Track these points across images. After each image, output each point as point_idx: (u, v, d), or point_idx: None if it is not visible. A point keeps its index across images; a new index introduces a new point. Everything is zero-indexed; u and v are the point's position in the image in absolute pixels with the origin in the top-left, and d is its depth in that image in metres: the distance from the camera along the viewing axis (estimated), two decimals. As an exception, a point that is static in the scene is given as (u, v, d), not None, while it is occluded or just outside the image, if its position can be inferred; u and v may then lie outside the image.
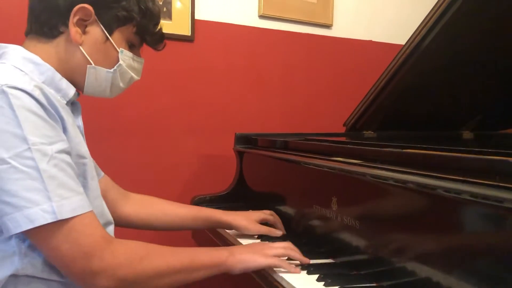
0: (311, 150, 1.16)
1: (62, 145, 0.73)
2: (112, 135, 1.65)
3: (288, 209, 1.22)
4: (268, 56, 1.93)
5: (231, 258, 0.85)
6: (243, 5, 1.86)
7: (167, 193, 1.75)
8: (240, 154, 1.52)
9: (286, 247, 0.91)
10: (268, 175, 1.40)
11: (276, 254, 0.89)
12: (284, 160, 1.24)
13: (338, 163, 0.96)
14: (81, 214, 0.72)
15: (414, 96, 1.46)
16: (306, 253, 0.93)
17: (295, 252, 0.91)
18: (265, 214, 1.15)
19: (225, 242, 1.15)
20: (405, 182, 0.76)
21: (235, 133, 1.55)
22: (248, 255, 0.87)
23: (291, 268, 0.87)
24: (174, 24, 1.70)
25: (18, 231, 0.68)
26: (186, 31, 1.72)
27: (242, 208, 1.25)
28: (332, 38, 2.07)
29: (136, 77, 0.95)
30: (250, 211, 1.19)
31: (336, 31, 2.08)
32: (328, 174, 0.98)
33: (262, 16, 1.90)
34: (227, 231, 1.18)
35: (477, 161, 0.70)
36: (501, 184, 0.60)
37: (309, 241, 1.05)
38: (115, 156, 1.63)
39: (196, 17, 1.75)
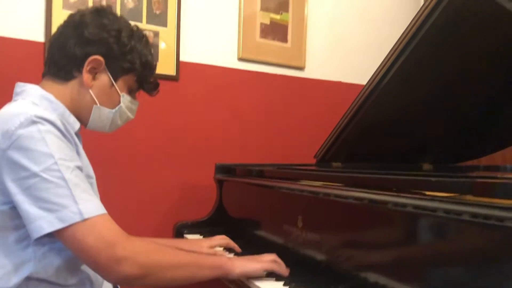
0: (282, 177, 1.31)
1: (78, 163, 0.88)
2: (100, 164, 1.76)
3: (262, 231, 1.36)
4: (246, 94, 2.10)
5: (230, 262, 0.99)
6: (224, 49, 2.05)
7: (152, 218, 1.87)
8: (219, 182, 1.66)
9: (273, 260, 1.03)
10: (244, 201, 1.54)
11: (268, 263, 1.01)
12: (259, 185, 1.38)
13: (305, 186, 1.11)
14: (102, 214, 0.85)
15: (376, 131, 1.63)
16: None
17: (280, 264, 1.02)
18: (216, 240, 1.27)
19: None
20: (361, 199, 0.91)
21: (215, 163, 1.69)
22: (245, 261, 1.00)
23: (283, 270, 1.00)
24: (161, 65, 1.86)
25: (51, 230, 0.80)
26: (171, 71, 1.89)
27: (221, 232, 1.37)
28: (304, 79, 2.27)
29: (131, 117, 1.10)
30: (205, 239, 1.30)
31: (308, 73, 2.28)
32: (296, 196, 1.13)
33: (241, 59, 2.09)
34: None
35: (411, 181, 0.86)
36: (430, 197, 0.76)
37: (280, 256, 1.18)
38: (102, 184, 1.74)
39: (181, 59, 1.92)
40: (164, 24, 1.87)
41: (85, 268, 0.93)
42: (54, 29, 1.63)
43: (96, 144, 1.71)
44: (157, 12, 1.86)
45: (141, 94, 1.17)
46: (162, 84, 1.86)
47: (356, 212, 0.95)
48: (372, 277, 0.87)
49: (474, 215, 0.66)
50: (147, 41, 1.07)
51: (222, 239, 1.27)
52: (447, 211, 0.72)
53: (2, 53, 1.62)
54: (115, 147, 1.80)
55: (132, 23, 1.04)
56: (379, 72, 1.43)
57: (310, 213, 1.09)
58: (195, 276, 0.95)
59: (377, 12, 2.47)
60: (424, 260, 0.78)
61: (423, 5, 1.29)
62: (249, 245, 1.28)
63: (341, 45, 2.38)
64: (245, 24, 2.08)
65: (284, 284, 0.95)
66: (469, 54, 1.36)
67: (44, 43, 1.67)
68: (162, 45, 1.87)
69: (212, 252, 1.19)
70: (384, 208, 0.85)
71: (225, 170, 1.67)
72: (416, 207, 0.78)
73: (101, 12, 0.99)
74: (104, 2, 1.75)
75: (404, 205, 0.81)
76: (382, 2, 2.48)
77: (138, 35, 1.04)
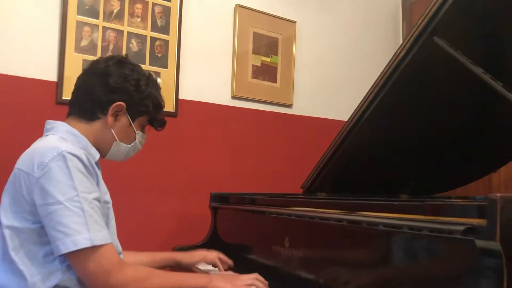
0: (272, 204, 1.47)
1: (96, 195, 1.03)
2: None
3: (252, 253, 1.50)
4: (239, 129, 2.28)
5: (210, 284, 1.12)
6: (219, 88, 2.24)
7: (152, 243, 2.00)
8: (214, 210, 1.81)
9: (254, 278, 1.18)
10: (237, 226, 1.68)
11: (246, 284, 1.15)
12: (250, 211, 1.54)
13: (291, 210, 1.27)
14: (106, 244, 0.99)
15: (357, 163, 1.80)
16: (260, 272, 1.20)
17: (260, 283, 1.17)
18: (210, 254, 1.45)
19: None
20: (340, 220, 1.07)
21: (211, 192, 1.85)
22: (227, 283, 1.14)
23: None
24: (161, 102, 2.04)
25: (66, 252, 0.95)
26: (171, 108, 2.06)
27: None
28: (292, 116, 2.46)
29: (140, 148, 1.27)
30: (199, 251, 1.48)
31: (296, 110, 2.48)
32: (284, 219, 1.29)
33: (234, 97, 2.28)
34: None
35: (380, 205, 1.03)
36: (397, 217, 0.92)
37: (268, 275, 1.32)
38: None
39: (180, 97, 2.10)
40: (165, 66, 2.06)
41: None
42: (66, 70, 1.83)
43: (103, 176, 1.86)
44: (159, 55, 2.06)
45: (146, 131, 1.35)
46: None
47: (335, 232, 1.11)
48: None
49: (431, 230, 0.82)
50: (158, 85, 1.25)
51: (215, 256, 1.43)
52: (410, 228, 0.88)
53: (18, 92, 1.78)
54: (119, 177, 1.94)
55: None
56: (359, 109, 1.62)
57: (295, 234, 1.25)
58: None
59: (359, 53, 2.70)
60: (394, 272, 0.94)
61: (394, 55, 1.50)
62: (241, 267, 1.41)
63: (326, 84, 2.59)
64: (238, 65, 2.28)
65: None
66: (437, 93, 1.57)
67: (57, 83, 1.84)
68: (163, 85, 2.05)
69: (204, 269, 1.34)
70: (359, 227, 1.01)
71: (219, 199, 1.82)
72: (385, 225, 0.94)
73: (122, 63, 1.17)
74: (111, 47, 1.94)
75: (376, 224, 0.97)
76: (364, 44, 2.72)
77: (152, 81, 1.23)
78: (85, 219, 0.96)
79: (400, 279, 0.91)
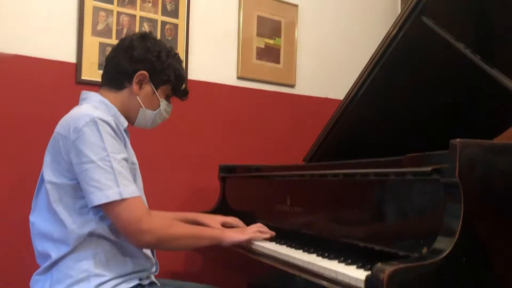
0: (274, 169, 1.63)
1: (124, 155, 1.18)
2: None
3: (258, 215, 1.66)
4: (244, 108, 2.43)
5: (223, 234, 1.30)
6: (225, 69, 2.39)
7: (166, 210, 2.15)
8: (223, 180, 1.97)
9: (259, 226, 1.37)
10: (243, 193, 1.85)
11: (254, 231, 1.34)
12: (255, 176, 1.70)
13: (293, 171, 1.43)
14: (135, 197, 1.15)
15: (353, 136, 1.94)
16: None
17: (263, 228, 1.36)
18: (228, 218, 1.58)
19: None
20: (335, 175, 1.22)
21: (219, 164, 2.01)
22: (234, 234, 1.33)
23: (262, 237, 1.32)
24: (172, 82, 2.19)
25: (99, 203, 1.10)
26: (181, 87, 2.21)
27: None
28: (295, 95, 2.60)
29: (167, 117, 1.42)
30: (219, 215, 1.61)
31: (298, 90, 2.62)
32: (285, 181, 1.45)
33: (239, 78, 2.42)
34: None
35: (371, 162, 1.18)
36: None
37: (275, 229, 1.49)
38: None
39: (189, 77, 2.25)
40: (175, 48, 2.20)
41: None
42: (84, 52, 1.98)
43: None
44: (169, 38, 2.20)
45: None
46: (173, 99, 2.21)
47: (330, 186, 1.26)
48: (342, 233, 1.17)
49: (414, 174, 0.96)
50: (179, 58, 1.40)
51: (232, 220, 1.57)
52: (395, 174, 1.02)
53: (40, 73, 1.93)
54: (136, 151, 2.10)
55: None
56: (355, 86, 1.76)
57: (295, 192, 1.40)
58: (196, 245, 1.30)
59: (359, 35, 2.81)
60: (382, 212, 1.09)
61: (386, 34, 1.63)
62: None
63: (328, 65, 2.72)
64: (243, 48, 2.42)
65: (275, 242, 1.26)
66: (427, 71, 1.70)
67: (76, 64, 1.99)
68: (172, 66, 2.19)
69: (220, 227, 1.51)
70: (353, 179, 1.16)
71: (227, 170, 1.98)
72: (376, 174, 1.09)
73: (145, 37, 1.32)
74: (124, 31, 2.08)
75: (366, 174, 1.12)
76: (364, 26, 2.84)
77: (173, 54, 1.37)
78: (114, 176, 1.12)
79: (387, 217, 1.06)
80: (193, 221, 1.58)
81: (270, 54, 2.52)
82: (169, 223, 1.24)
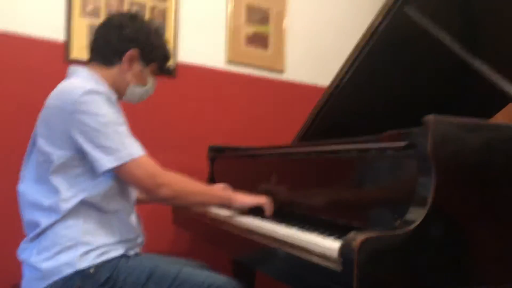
0: (261, 149, 1.66)
1: (123, 120, 1.23)
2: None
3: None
4: (233, 92, 2.45)
5: (234, 196, 1.38)
6: (214, 54, 2.41)
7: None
8: (212, 161, 2.00)
9: (268, 199, 1.41)
10: (231, 173, 1.88)
11: (262, 200, 1.39)
12: (243, 156, 1.73)
13: (278, 149, 1.47)
14: (144, 155, 1.21)
15: (341, 118, 1.97)
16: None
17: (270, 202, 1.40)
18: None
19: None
20: (317, 152, 1.26)
21: (209, 146, 2.04)
22: (244, 197, 1.39)
23: (269, 208, 1.37)
24: (161, 65, 2.20)
25: (112, 167, 1.15)
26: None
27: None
28: (283, 82, 2.63)
29: (152, 92, 1.47)
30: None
31: (287, 76, 2.65)
32: (269, 160, 1.48)
33: (228, 61, 2.44)
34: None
35: (349, 140, 1.22)
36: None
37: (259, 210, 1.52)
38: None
39: (178, 60, 2.27)
40: (163, 30, 2.22)
41: (119, 199, 1.27)
42: (73, 31, 1.98)
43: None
44: (158, 21, 2.21)
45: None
46: (162, 81, 2.24)
47: (313, 164, 1.30)
48: (320, 209, 1.22)
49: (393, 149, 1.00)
50: (165, 39, 1.45)
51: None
52: (375, 150, 1.06)
53: (28, 51, 1.94)
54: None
55: None
56: (338, 75, 1.80)
57: (280, 171, 1.44)
58: (209, 202, 1.37)
59: (348, 23, 2.84)
60: (361, 186, 1.13)
61: (370, 23, 1.67)
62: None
63: (316, 53, 2.75)
64: (232, 33, 2.44)
65: (260, 219, 1.30)
66: (411, 60, 1.74)
67: (64, 43, 2.00)
68: (161, 49, 2.21)
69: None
70: (332, 156, 1.20)
71: (216, 150, 2.01)
72: (354, 150, 1.12)
73: (135, 17, 1.36)
74: (113, 12, 2.09)
75: (345, 151, 1.16)
76: (353, 14, 2.86)
77: (161, 34, 1.43)
78: (120, 139, 1.17)
79: (365, 192, 1.10)
80: None
81: (259, 40, 2.54)
82: (183, 178, 1.29)
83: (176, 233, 2.24)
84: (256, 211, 1.39)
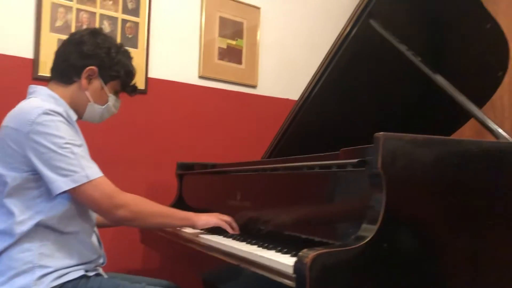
0: (228, 166, 1.66)
1: (81, 142, 1.21)
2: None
3: (212, 211, 1.69)
4: (206, 107, 2.45)
5: (196, 217, 1.35)
6: (186, 68, 2.41)
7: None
8: (180, 177, 1.99)
9: (231, 219, 1.39)
10: (199, 190, 1.87)
11: (226, 220, 1.37)
12: (209, 173, 1.73)
13: (242, 167, 1.47)
14: (102, 176, 1.19)
15: (306, 136, 1.99)
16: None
17: (234, 223, 1.38)
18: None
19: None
20: (276, 169, 1.26)
21: (177, 162, 2.03)
22: (207, 217, 1.37)
23: (229, 229, 1.35)
24: (132, 80, 2.20)
25: (68, 189, 1.13)
26: (141, 85, 2.22)
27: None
28: (257, 96, 2.65)
29: (115, 111, 1.44)
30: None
31: (260, 90, 2.66)
32: (234, 177, 1.48)
33: (201, 77, 2.45)
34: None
35: (311, 157, 1.22)
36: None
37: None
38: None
39: (149, 75, 2.26)
40: (135, 46, 2.22)
41: (78, 220, 1.24)
42: (42, 48, 1.97)
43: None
44: (130, 36, 2.21)
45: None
46: (133, 97, 2.22)
47: (273, 181, 1.30)
48: (283, 226, 1.22)
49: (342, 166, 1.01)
50: (129, 55, 1.43)
51: None
52: (329, 167, 1.07)
53: (-4, 67, 1.91)
54: (93, 148, 2.09)
55: None
56: (309, 86, 1.82)
57: (244, 188, 1.44)
58: (170, 223, 1.35)
59: (321, 37, 2.87)
60: (320, 202, 1.13)
61: (337, 36, 1.70)
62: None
63: (289, 67, 2.78)
64: (205, 47, 2.45)
65: (223, 236, 1.30)
66: (376, 73, 1.77)
67: (33, 60, 1.98)
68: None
69: None
70: (291, 173, 1.21)
71: (184, 167, 2.00)
72: (310, 167, 1.13)
73: (95, 33, 1.34)
74: (84, 28, 2.08)
75: (300, 168, 1.16)
76: (326, 28, 2.90)
77: (123, 51, 1.40)
78: (78, 160, 1.15)
79: (323, 208, 1.10)
80: None
81: (232, 54, 2.55)
82: (143, 200, 1.27)
83: (145, 251, 2.21)
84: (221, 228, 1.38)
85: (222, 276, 1.22)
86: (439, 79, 1.43)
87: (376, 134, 0.87)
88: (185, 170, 1.99)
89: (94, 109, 1.36)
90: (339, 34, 1.69)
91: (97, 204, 1.18)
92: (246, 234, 1.31)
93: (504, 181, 0.96)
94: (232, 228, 1.37)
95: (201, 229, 1.41)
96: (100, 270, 1.30)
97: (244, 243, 1.19)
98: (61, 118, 1.17)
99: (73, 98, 1.32)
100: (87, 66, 1.30)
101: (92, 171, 1.17)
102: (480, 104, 1.90)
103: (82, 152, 1.19)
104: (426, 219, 0.90)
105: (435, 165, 0.91)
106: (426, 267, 0.89)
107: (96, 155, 2.12)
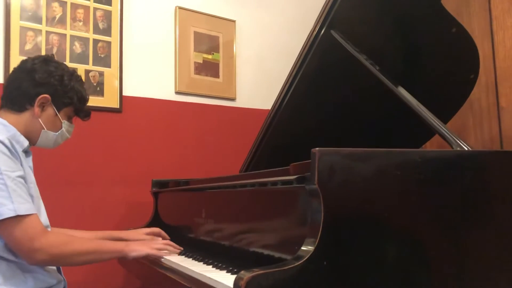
0: (197, 182, 1.65)
1: (20, 173, 1.19)
2: (55, 182, 2.05)
3: (183, 228, 1.67)
4: (183, 122, 2.44)
5: (127, 248, 1.31)
6: (162, 84, 2.41)
7: (98, 227, 2.14)
8: (155, 195, 1.98)
9: (165, 243, 1.39)
10: (173, 207, 1.86)
11: (158, 247, 1.35)
12: (181, 190, 1.71)
13: (204, 184, 1.45)
14: (30, 215, 1.16)
15: (279, 148, 1.98)
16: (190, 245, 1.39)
17: (172, 248, 1.38)
18: (152, 229, 1.61)
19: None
20: (244, 185, 1.25)
21: (152, 179, 2.02)
22: (138, 247, 1.33)
23: (164, 254, 1.34)
24: (106, 99, 2.20)
25: None
26: (115, 104, 2.22)
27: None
28: (236, 108, 2.64)
29: (69, 136, 1.44)
30: (144, 228, 1.63)
31: (239, 103, 2.66)
32: (201, 194, 1.47)
33: (177, 92, 2.44)
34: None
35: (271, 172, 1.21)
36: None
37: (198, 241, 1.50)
38: (56, 198, 2.02)
39: (124, 93, 2.26)
40: (108, 65, 2.22)
41: None
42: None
43: (52, 165, 2.00)
44: (102, 55, 2.21)
45: (90, 122, 1.51)
46: (107, 116, 2.23)
47: (232, 197, 1.29)
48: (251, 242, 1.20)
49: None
50: (81, 80, 1.42)
51: (156, 229, 1.61)
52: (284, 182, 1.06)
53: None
54: (67, 170, 2.09)
55: (79, 65, 1.33)
56: (279, 97, 1.82)
57: (209, 205, 1.43)
58: (98, 259, 1.29)
59: (298, 48, 2.88)
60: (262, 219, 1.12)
61: (302, 47, 1.70)
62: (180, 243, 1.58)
63: (268, 78, 2.77)
64: (180, 63, 2.45)
65: (181, 254, 1.28)
66: (340, 82, 1.76)
67: (3, 84, 1.97)
68: (108, 83, 2.21)
69: (149, 238, 1.53)
70: (247, 188, 1.19)
71: (159, 185, 1.99)
72: (260, 184, 1.12)
73: (47, 61, 1.34)
74: (54, 50, 2.09)
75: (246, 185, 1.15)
76: (301, 39, 2.89)
77: (76, 77, 1.40)
78: (8, 193, 1.12)
79: (274, 224, 1.09)
80: (118, 238, 1.59)
81: (208, 68, 2.55)
82: (66, 240, 1.24)
83: (113, 271, 2.17)
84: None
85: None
86: (406, 95, 1.40)
87: (313, 150, 0.86)
88: (160, 187, 1.98)
89: (47, 136, 1.35)
90: (303, 46, 1.69)
91: (16, 244, 1.14)
92: (205, 251, 1.30)
93: (448, 189, 0.94)
94: (169, 251, 1.36)
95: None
96: (62, 295, 1.28)
97: (201, 263, 1.18)
98: (2, 147, 1.16)
99: (26, 126, 1.31)
100: (40, 94, 1.30)
101: (22, 207, 1.13)
102: (457, 105, 1.91)
103: (15, 185, 1.15)
104: (369, 234, 0.88)
105: (377, 177, 0.89)
106: (369, 281, 0.87)
107: (71, 176, 2.14)
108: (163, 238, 1.60)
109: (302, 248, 0.84)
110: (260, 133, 1.93)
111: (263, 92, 2.74)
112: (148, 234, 1.57)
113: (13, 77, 1.33)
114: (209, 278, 0.99)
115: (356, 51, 1.50)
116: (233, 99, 2.64)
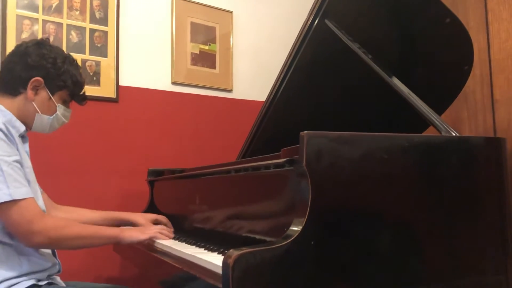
0: (192, 170, 1.66)
1: (16, 158, 1.20)
2: (52, 172, 2.06)
3: (179, 216, 1.69)
4: (179, 113, 2.46)
5: (121, 234, 1.33)
6: (158, 75, 2.42)
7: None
8: (151, 183, 2.00)
9: (159, 228, 1.40)
10: (168, 195, 1.88)
11: (151, 233, 1.37)
12: (176, 178, 1.73)
13: (198, 171, 1.47)
14: (26, 198, 1.17)
15: (277, 139, 1.99)
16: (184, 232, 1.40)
17: (164, 230, 1.40)
18: (158, 216, 1.62)
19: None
20: (237, 170, 1.26)
21: (148, 169, 2.03)
22: (133, 233, 1.35)
23: (161, 237, 1.36)
24: (102, 89, 2.21)
25: None
26: (112, 94, 2.23)
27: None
28: (232, 100, 2.65)
29: (66, 121, 1.44)
30: (148, 213, 1.65)
31: (236, 94, 2.67)
32: (195, 181, 1.48)
33: (174, 83, 2.45)
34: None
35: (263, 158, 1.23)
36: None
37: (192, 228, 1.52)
38: (55, 188, 2.03)
39: (120, 83, 2.27)
40: (104, 55, 2.23)
41: None
42: (8, 60, 1.98)
43: (49, 154, 2.02)
44: (98, 45, 2.22)
45: (86, 111, 1.52)
46: (104, 105, 2.24)
47: (226, 183, 1.31)
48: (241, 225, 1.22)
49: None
50: (77, 64, 1.42)
51: (162, 218, 1.63)
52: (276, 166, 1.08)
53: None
54: (65, 160, 2.11)
55: (75, 55, 1.35)
56: (274, 86, 1.84)
57: (202, 192, 1.44)
58: (93, 244, 1.32)
59: (293, 38, 2.87)
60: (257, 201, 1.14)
61: (297, 36, 1.71)
62: (176, 229, 1.60)
63: (264, 70, 2.78)
64: (177, 53, 2.46)
65: (174, 239, 1.30)
66: (335, 72, 1.77)
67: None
68: (105, 73, 2.22)
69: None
70: (241, 173, 1.21)
71: (155, 173, 2.00)
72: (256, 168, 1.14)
73: (40, 44, 1.35)
74: (51, 39, 2.09)
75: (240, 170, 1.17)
76: (298, 30, 2.90)
77: (70, 60, 1.40)
78: (4, 178, 1.13)
79: (263, 208, 1.10)
80: (116, 220, 1.61)
81: (205, 59, 2.56)
82: (64, 224, 1.25)
83: (107, 257, 2.18)
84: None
85: (172, 280, 1.22)
86: (401, 86, 1.41)
87: (301, 133, 0.87)
88: (155, 176, 1.99)
89: (42, 120, 1.36)
90: (297, 36, 1.70)
91: (14, 227, 1.16)
92: (198, 236, 1.31)
93: (435, 174, 0.96)
94: (164, 235, 1.38)
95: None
96: (57, 279, 1.30)
97: (193, 246, 1.20)
98: None
99: (21, 110, 1.32)
100: (33, 77, 1.31)
101: (18, 191, 1.15)
102: (452, 96, 1.92)
103: (12, 170, 1.16)
104: (356, 215, 0.90)
105: (364, 160, 0.91)
106: (353, 265, 0.89)
107: (67, 165, 2.15)
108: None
109: (291, 228, 0.86)
110: (255, 124, 1.95)
111: (259, 84, 2.76)
112: (155, 221, 1.59)
113: (6, 61, 1.34)
114: (200, 258, 1.00)
115: (350, 40, 1.51)
116: (229, 90, 2.65)
